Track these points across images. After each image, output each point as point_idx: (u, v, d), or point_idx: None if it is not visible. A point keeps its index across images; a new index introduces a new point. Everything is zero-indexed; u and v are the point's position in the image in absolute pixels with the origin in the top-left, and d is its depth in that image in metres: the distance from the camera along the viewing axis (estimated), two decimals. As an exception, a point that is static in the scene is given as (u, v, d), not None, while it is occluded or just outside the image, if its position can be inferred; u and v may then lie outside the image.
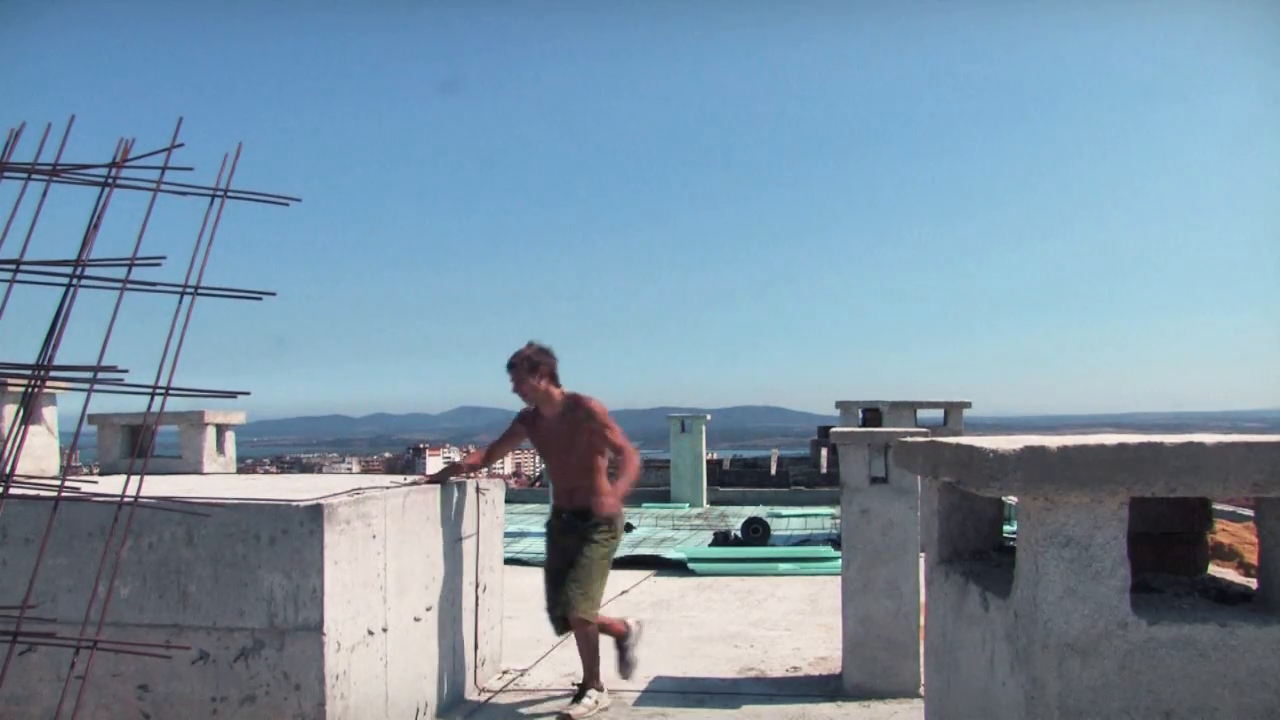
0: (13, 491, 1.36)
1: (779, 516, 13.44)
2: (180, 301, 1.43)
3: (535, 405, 4.96)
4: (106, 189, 1.45)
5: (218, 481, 5.56)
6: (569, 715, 4.69)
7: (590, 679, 4.86)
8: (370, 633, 3.96)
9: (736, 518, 13.15)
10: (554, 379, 4.90)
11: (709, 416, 16.23)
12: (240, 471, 10.89)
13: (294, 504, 3.65)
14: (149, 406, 1.40)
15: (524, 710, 4.92)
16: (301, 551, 3.61)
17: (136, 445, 9.58)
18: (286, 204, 1.57)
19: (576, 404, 4.86)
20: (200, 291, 1.43)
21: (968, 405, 11.79)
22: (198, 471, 9.56)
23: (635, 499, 16.49)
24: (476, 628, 5.19)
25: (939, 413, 11.93)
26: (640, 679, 5.48)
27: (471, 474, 5.21)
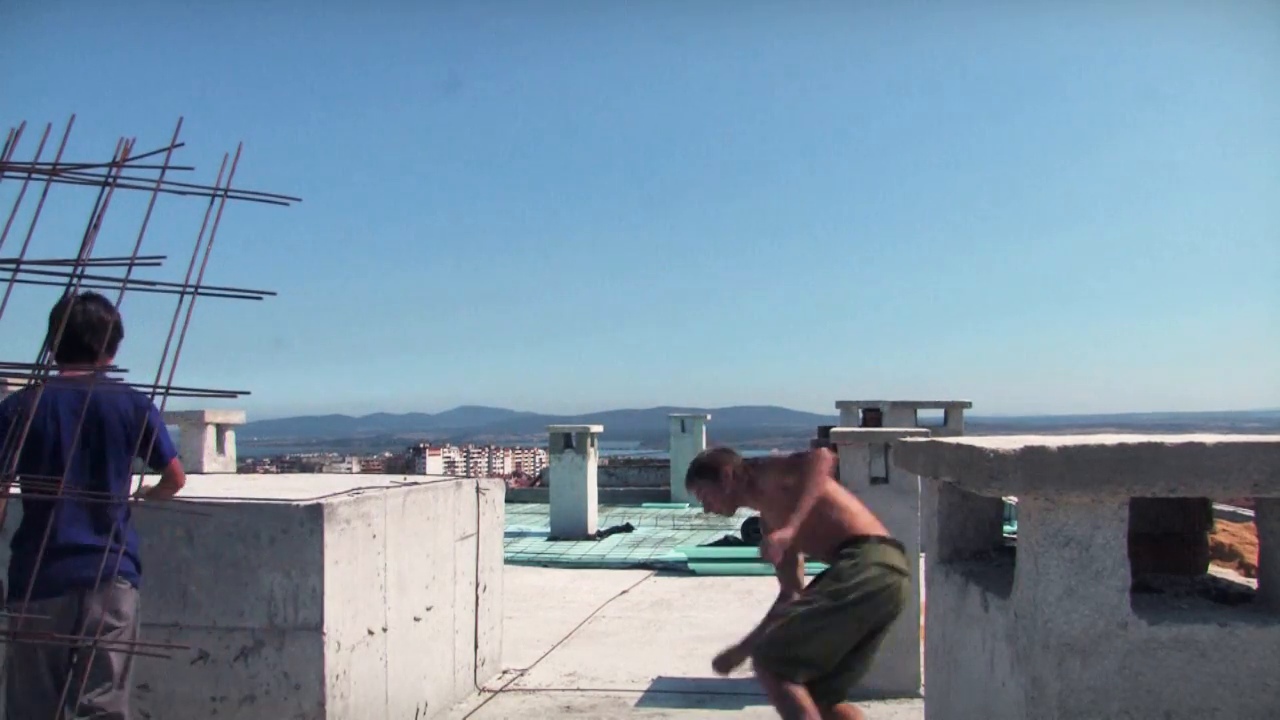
0: (14, 490, 1.36)
1: (779, 516, 13.44)
2: (180, 301, 1.43)
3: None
4: (106, 189, 1.45)
5: (218, 481, 5.56)
6: None
7: None
8: (370, 633, 3.96)
9: (737, 518, 13.16)
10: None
11: (709, 416, 16.23)
12: (240, 471, 10.89)
13: (294, 504, 3.65)
14: (149, 406, 1.40)
15: (524, 710, 4.92)
16: (301, 551, 3.61)
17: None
18: (286, 204, 1.57)
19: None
20: (200, 291, 1.43)
21: (968, 405, 11.79)
22: (198, 471, 9.56)
23: (635, 499, 16.50)
24: (476, 628, 5.19)
25: (939, 413, 11.93)
26: (641, 679, 5.48)
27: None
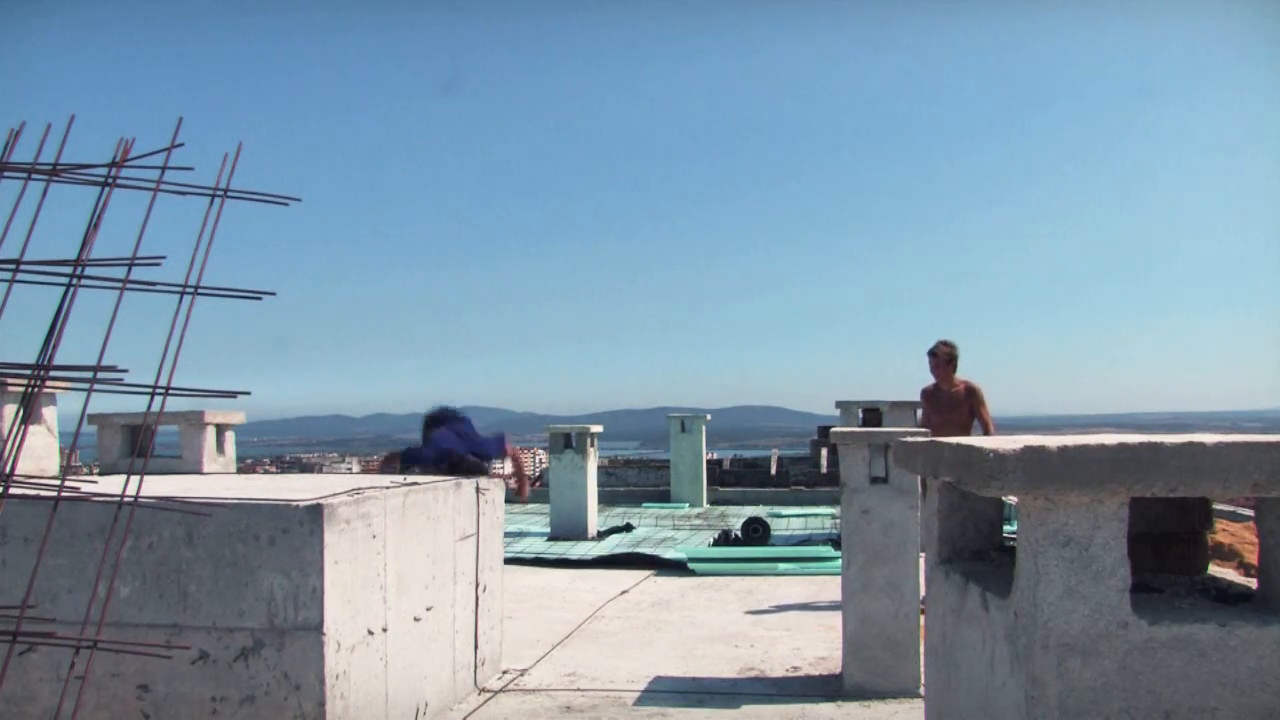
0: (13, 491, 1.36)
1: (779, 516, 13.44)
2: (180, 301, 1.43)
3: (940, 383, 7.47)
4: (106, 189, 1.45)
5: (218, 481, 5.55)
6: None
7: None
8: (370, 633, 3.96)
9: (736, 518, 13.14)
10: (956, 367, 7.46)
11: (709, 416, 16.21)
12: (240, 471, 10.89)
13: (294, 504, 3.65)
14: (149, 406, 1.40)
15: (524, 710, 4.92)
16: (301, 551, 3.61)
17: (136, 445, 9.58)
18: (286, 204, 1.57)
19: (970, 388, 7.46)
20: (200, 291, 1.43)
21: (968, 405, 11.78)
22: (198, 471, 9.56)
23: (635, 499, 16.51)
24: (476, 628, 5.19)
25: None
26: (641, 679, 5.48)
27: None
